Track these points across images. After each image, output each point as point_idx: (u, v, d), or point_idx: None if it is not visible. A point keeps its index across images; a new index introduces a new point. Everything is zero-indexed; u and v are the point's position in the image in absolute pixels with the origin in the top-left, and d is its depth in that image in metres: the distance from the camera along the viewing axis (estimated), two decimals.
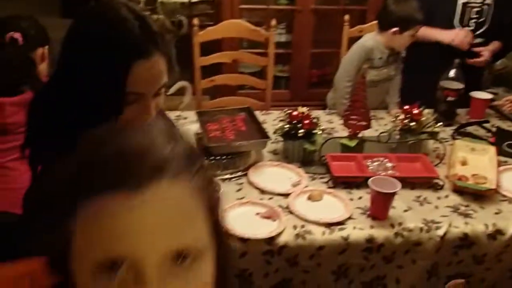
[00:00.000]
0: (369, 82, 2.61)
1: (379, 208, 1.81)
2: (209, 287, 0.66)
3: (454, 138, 2.39)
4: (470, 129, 2.54)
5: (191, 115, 2.54)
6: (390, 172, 2.02)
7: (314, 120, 2.12)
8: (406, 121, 2.20)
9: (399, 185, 1.77)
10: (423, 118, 2.20)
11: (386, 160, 2.10)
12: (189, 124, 2.47)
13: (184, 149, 0.66)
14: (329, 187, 1.99)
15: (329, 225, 1.75)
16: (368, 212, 1.84)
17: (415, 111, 2.20)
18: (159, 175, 0.60)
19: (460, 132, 2.47)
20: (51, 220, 0.64)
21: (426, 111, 2.24)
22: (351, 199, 1.92)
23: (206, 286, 0.66)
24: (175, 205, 0.62)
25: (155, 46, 1.27)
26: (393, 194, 1.77)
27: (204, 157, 0.72)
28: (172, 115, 2.62)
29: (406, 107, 2.24)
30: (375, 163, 2.08)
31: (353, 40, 2.88)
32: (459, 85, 2.50)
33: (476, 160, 2.16)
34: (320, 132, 2.15)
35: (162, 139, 0.65)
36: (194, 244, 0.62)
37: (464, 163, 2.15)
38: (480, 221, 1.83)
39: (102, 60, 1.24)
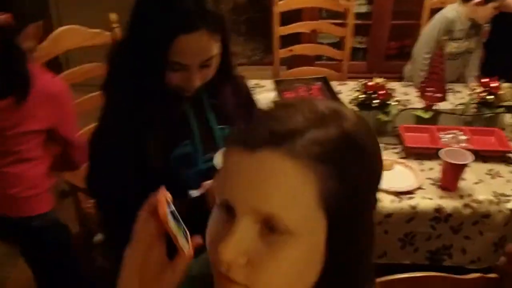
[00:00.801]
0: (448, 54, 2.61)
1: (450, 179, 1.83)
2: (295, 266, 0.68)
3: None
4: None
5: (269, 83, 2.63)
6: (463, 144, 2.03)
7: (389, 91, 2.15)
8: (483, 94, 2.19)
9: (471, 157, 1.79)
10: (501, 92, 2.18)
11: (461, 133, 2.11)
12: (266, 92, 2.56)
13: (330, 135, 0.67)
14: (401, 158, 2.03)
15: (398, 193, 1.80)
16: (438, 183, 1.87)
17: (494, 84, 2.19)
18: (276, 144, 0.65)
19: None
20: None
21: (505, 85, 2.22)
22: (422, 170, 1.95)
23: (291, 263, 0.67)
24: (278, 176, 0.65)
25: (203, 21, 1.29)
26: (464, 165, 1.79)
27: (364, 158, 0.70)
28: (250, 83, 2.73)
29: (485, 80, 2.23)
30: (449, 136, 2.09)
31: (434, 11, 2.86)
32: None
33: None
34: (395, 103, 2.18)
35: (310, 118, 0.68)
36: (285, 218, 0.65)
37: None
38: None
39: (152, 27, 1.31)
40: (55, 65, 2.99)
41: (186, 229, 0.81)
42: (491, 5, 2.52)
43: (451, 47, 2.65)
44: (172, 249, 0.78)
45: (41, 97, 1.85)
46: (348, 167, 0.67)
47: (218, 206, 0.71)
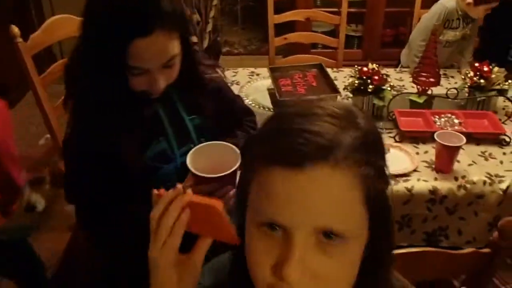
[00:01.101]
0: (444, 42, 2.66)
1: (444, 162, 1.87)
2: (356, 263, 0.72)
3: None
4: None
5: (264, 71, 2.66)
6: (457, 128, 2.07)
7: (384, 76, 2.18)
8: (475, 78, 2.23)
9: (464, 139, 1.83)
10: (493, 76, 2.22)
11: (454, 116, 2.14)
12: (262, 80, 2.59)
13: (356, 137, 0.68)
14: (396, 142, 2.06)
15: (394, 176, 1.84)
16: (433, 166, 1.91)
17: (485, 68, 2.22)
18: (323, 158, 0.66)
19: None
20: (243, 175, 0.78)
21: (496, 69, 2.25)
22: (417, 153, 1.99)
23: (352, 263, 0.72)
24: (331, 190, 0.66)
25: (158, 22, 1.23)
26: (458, 148, 1.83)
27: (380, 148, 0.74)
28: (246, 71, 2.76)
29: (477, 64, 2.26)
30: (443, 119, 2.13)
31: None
32: None
33: None
34: (389, 88, 2.21)
35: (335, 123, 0.69)
36: (341, 230, 0.67)
37: None
38: None
39: (105, 34, 1.24)
40: (50, 56, 3.00)
41: None
42: (481, 7, 2.56)
43: (448, 35, 2.69)
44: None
45: None
46: (375, 161, 0.70)
47: (258, 225, 0.71)
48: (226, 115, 1.61)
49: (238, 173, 1.22)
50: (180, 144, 1.48)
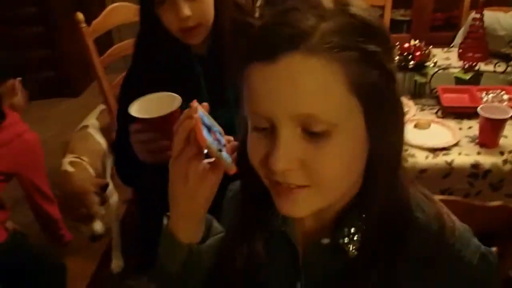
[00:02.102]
0: None
1: (488, 136, 1.76)
2: (347, 156, 0.72)
3: None
4: None
5: None
6: (506, 104, 1.95)
7: (426, 52, 2.09)
8: None
9: (510, 111, 1.72)
10: None
11: (503, 92, 2.02)
12: None
13: (339, 23, 0.69)
14: (438, 117, 1.97)
15: (433, 150, 1.75)
16: (476, 141, 1.81)
17: None
18: (294, 48, 0.67)
19: None
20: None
21: None
22: (460, 129, 1.89)
23: (341, 155, 0.72)
24: (305, 78, 0.67)
25: None
26: (504, 121, 1.72)
27: (376, 35, 0.72)
28: None
29: None
30: (490, 95, 2.01)
31: None
32: None
33: None
34: (432, 64, 2.12)
35: (314, 13, 0.69)
36: (322, 117, 0.68)
37: None
38: None
39: None
40: (108, 42, 3.14)
41: (223, 141, 0.89)
42: None
43: None
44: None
45: (12, 140, 2.10)
46: (366, 47, 0.69)
47: (253, 129, 0.76)
48: None
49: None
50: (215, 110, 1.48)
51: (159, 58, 1.48)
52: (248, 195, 0.91)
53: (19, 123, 2.20)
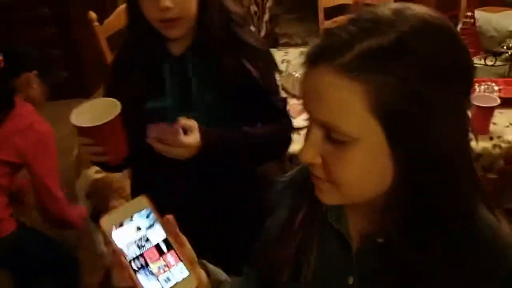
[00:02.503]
0: None
1: (480, 122, 1.97)
2: (362, 167, 0.76)
3: None
4: None
5: None
6: (496, 94, 2.15)
7: None
8: None
9: (498, 100, 1.92)
10: None
11: (494, 84, 2.21)
12: None
13: (378, 43, 0.69)
14: None
15: None
16: (470, 128, 1.99)
17: None
18: (330, 59, 0.72)
19: None
20: None
21: None
22: None
23: (355, 165, 0.76)
24: (330, 89, 0.73)
25: None
26: (493, 108, 1.92)
27: (407, 57, 0.70)
28: (297, 50, 2.90)
29: None
30: (482, 87, 2.20)
31: None
32: None
33: None
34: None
35: (360, 26, 0.72)
36: (343, 128, 0.73)
37: None
38: None
39: None
40: (121, 40, 3.27)
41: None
42: None
43: None
44: None
45: (23, 130, 2.09)
46: (401, 73, 0.69)
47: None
48: (249, 104, 1.48)
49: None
50: (180, 109, 1.47)
51: (136, 52, 1.49)
52: (302, 190, 0.95)
53: (32, 113, 2.18)
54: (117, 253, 0.78)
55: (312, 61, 0.75)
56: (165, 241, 0.80)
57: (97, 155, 1.34)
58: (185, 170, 1.46)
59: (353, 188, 0.80)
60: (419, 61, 0.70)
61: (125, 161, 1.42)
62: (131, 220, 0.79)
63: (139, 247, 0.78)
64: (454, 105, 0.75)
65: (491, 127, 1.98)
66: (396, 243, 0.81)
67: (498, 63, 2.43)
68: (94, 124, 1.25)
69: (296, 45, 5.19)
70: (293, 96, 2.31)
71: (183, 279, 0.77)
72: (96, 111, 1.29)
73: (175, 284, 0.77)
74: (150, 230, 0.80)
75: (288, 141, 1.58)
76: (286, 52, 2.91)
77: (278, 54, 2.86)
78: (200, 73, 1.47)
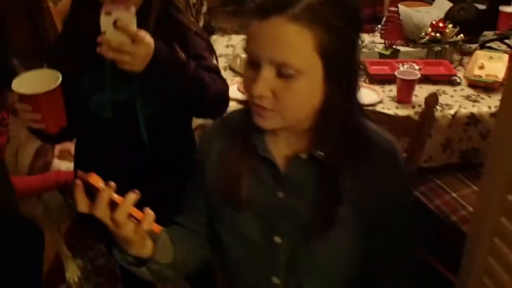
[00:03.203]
0: None
1: (404, 94, 2.29)
2: (306, 96, 1.01)
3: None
4: (493, 45, 2.93)
5: None
6: (416, 72, 2.49)
7: None
8: (433, 33, 2.66)
9: (419, 74, 2.26)
10: (447, 31, 2.65)
11: (415, 64, 2.56)
12: None
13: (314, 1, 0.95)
14: (366, 83, 2.48)
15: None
16: (395, 99, 2.33)
17: (441, 24, 2.65)
18: (282, 12, 0.94)
19: (483, 47, 2.88)
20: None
21: (450, 25, 2.68)
22: (383, 91, 2.41)
23: (301, 94, 1.01)
24: (286, 35, 0.95)
25: None
26: (414, 80, 2.26)
27: (338, 9, 0.97)
28: (241, 36, 3.15)
29: (433, 22, 2.69)
30: (405, 66, 2.53)
31: None
32: (481, 6, 2.90)
33: (492, 66, 2.57)
34: (361, 43, 2.63)
35: None
36: (294, 64, 0.96)
37: (481, 67, 2.59)
38: (485, 105, 2.28)
39: None
40: None
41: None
42: None
43: None
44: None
45: None
46: (333, 20, 0.96)
47: (248, 65, 1.04)
48: None
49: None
50: (116, 82, 1.51)
51: (78, 25, 1.51)
52: (235, 130, 1.20)
53: None
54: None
55: (264, 14, 0.96)
56: None
57: (34, 122, 1.37)
58: (125, 146, 1.60)
59: (293, 113, 1.04)
60: (347, 12, 0.98)
61: (64, 134, 1.49)
62: None
63: None
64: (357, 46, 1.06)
65: (413, 98, 2.31)
66: (317, 156, 1.09)
67: (418, 48, 2.79)
68: (34, 92, 1.31)
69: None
70: (241, 75, 2.56)
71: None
72: (38, 80, 1.35)
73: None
74: None
75: (226, 98, 1.56)
76: (230, 38, 3.16)
77: (223, 40, 3.12)
78: None
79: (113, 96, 1.52)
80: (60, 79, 1.35)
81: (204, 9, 4.41)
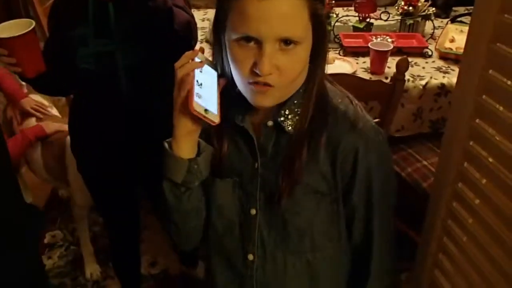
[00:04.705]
0: None
1: (377, 65, 2.35)
2: (304, 62, 1.05)
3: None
4: (464, 19, 3.00)
5: None
6: (389, 44, 2.55)
7: (331, 4, 2.65)
8: (405, 7, 2.71)
9: (391, 45, 2.32)
10: (419, 4, 2.71)
11: (388, 37, 2.62)
12: None
13: None
14: (340, 56, 2.54)
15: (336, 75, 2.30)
16: (369, 70, 2.38)
17: None
18: None
19: (454, 21, 2.95)
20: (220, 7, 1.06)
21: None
22: (357, 63, 2.47)
23: (301, 61, 1.05)
24: (287, 10, 0.97)
25: None
26: (387, 51, 2.32)
27: None
28: None
29: None
30: (379, 39, 2.59)
31: None
32: None
33: (462, 39, 2.60)
34: (335, 16, 2.68)
35: None
36: (295, 37, 1.00)
37: (452, 40, 2.66)
38: (455, 76, 2.31)
39: None
40: None
41: (214, 87, 1.10)
42: None
43: None
44: None
45: None
46: None
47: (237, 40, 1.02)
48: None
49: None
50: (99, 36, 1.68)
51: None
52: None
53: None
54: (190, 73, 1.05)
55: None
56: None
57: (11, 66, 1.56)
58: (108, 96, 1.77)
59: (294, 84, 1.07)
60: None
61: (43, 80, 1.67)
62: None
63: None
64: None
65: (386, 69, 2.37)
66: (281, 122, 1.12)
67: (390, 20, 2.84)
68: (9, 36, 1.48)
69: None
70: None
71: (212, 112, 1.05)
72: (15, 28, 1.51)
73: (207, 110, 1.04)
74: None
75: (194, 28, 1.75)
76: (206, 12, 3.18)
77: (199, 14, 3.14)
78: (118, 4, 1.65)
79: (95, 49, 1.68)
80: (33, 25, 1.50)
81: None
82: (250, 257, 1.23)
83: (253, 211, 1.20)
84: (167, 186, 1.16)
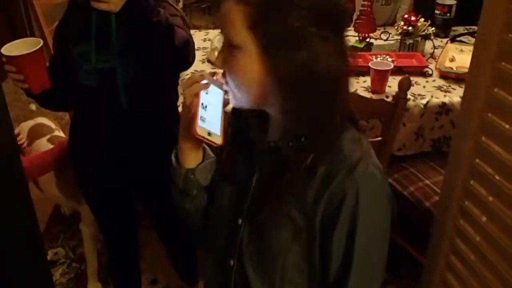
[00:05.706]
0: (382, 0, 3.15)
1: (378, 84, 2.36)
2: (245, 72, 1.06)
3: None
4: (463, 38, 3.03)
5: None
6: (390, 63, 2.57)
7: None
8: (405, 26, 2.74)
9: (392, 64, 2.33)
10: (419, 24, 2.73)
11: (388, 56, 2.64)
12: None
13: None
14: None
15: None
16: (369, 89, 2.40)
17: (412, 18, 2.73)
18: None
19: (454, 41, 2.97)
20: None
21: (422, 19, 2.76)
22: (357, 82, 2.48)
23: (241, 69, 1.06)
24: (229, 18, 1.04)
25: None
26: (388, 71, 2.33)
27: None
28: (217, 31, 3.19)
29: (406, 16, 2.77)
30: (379, 58, 2.61)
31: None
32: (452, 1, 2.99)
33: (462, 58, 2.66)
34: None
35: None
36: (233, 41, 1.04)
37: (452, 60, 2.68)
38: (456, 94, 2.37)
39: None
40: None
41: (222, 113, 1.16)
42: None
43: None
44: None
45: None
46: (267, 7, 1.00)
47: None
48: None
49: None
50: (101, 51, 1.73)
51: (74, 7, 1.79)
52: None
53: None
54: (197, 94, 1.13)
55: (220, 2, 1.06)
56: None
57: (19, 82, 1.63)
58: (108, 111, 1.82)
59: (246, 91, 1.09)
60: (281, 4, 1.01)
61: (49, 97, 1.76)
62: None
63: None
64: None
65: (387, 89, 2.38)
66: (281, 145, 1.11)
67: (390, 40, 2.87)
68: (17, 54, 1.55)
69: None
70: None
71: (215, 134, 1.12)
72: (23, 46, 1.58)
73: (210, 133, 1.10)
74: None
75: (192, 47, 1.77)
76: (207, 32, 3.20)
77: (200, 34, 3.16)
78: (120, 21, 1.67)
79: (97, 65, 1.73)
80: (41, 44, 1.57)
81: (180, 5, 4.45)
82: (231, 262, 1.24)
83: (239, 221, 1.22)
84: (171, 188, 1.29)
